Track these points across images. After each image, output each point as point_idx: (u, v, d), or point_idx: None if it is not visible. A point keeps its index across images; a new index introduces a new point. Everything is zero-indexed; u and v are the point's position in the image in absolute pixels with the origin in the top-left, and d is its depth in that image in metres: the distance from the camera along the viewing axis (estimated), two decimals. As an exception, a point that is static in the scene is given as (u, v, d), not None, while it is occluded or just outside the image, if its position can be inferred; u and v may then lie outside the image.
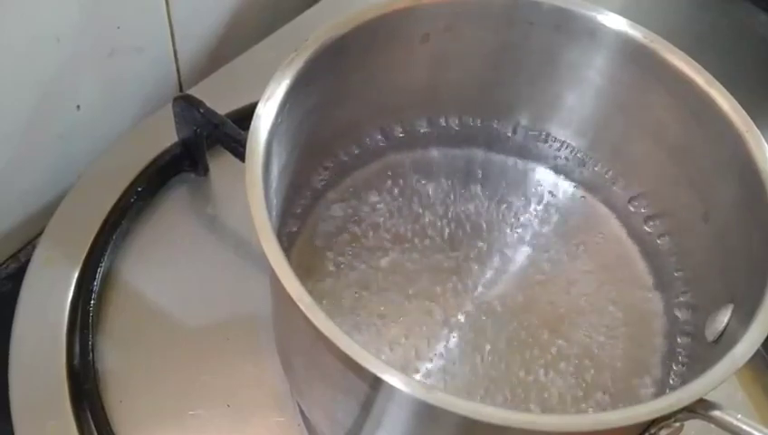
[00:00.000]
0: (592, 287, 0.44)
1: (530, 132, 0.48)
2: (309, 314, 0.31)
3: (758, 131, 0.39)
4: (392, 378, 0.31)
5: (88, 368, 0.46)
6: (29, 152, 0.52)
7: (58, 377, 0.45)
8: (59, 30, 0.49)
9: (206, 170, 0.54)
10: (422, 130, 0.48)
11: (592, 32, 0.43)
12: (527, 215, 0.46)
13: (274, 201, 0.39)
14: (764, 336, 0.34)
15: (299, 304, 0.32)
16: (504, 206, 0.46)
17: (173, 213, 0.53)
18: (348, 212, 0.46)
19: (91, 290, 0.48)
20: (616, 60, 0.43)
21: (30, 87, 0.50)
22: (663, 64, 0.41)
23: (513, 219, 0.46)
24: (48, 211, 0.52)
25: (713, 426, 0.33)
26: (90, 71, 0.53)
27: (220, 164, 0.54)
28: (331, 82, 0.41)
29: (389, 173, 0.47)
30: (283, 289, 0.32)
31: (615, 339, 0.43)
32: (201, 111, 0.50)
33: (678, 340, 0.43)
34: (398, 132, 0.47)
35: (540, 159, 0.48)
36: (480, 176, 0.47)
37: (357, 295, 0.43)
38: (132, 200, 0.51)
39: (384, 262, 0.44)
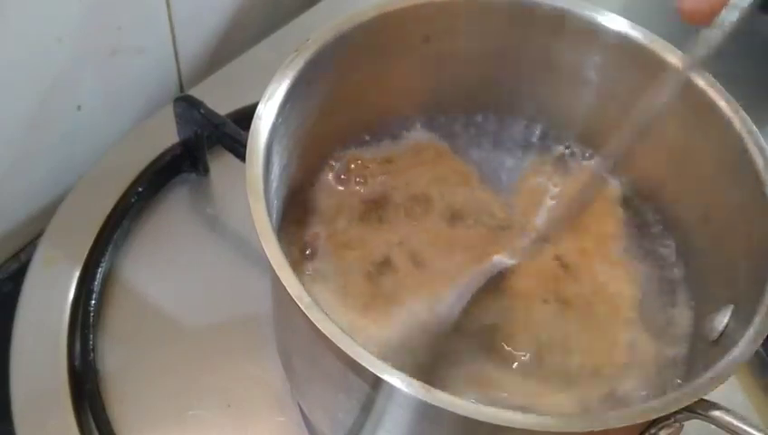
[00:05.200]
0: (591, 288, 0.44)
1: (530, 131, 0.48)
2: (309, 314, 0.31)
3: (758, 131, 0.39)
4: (392, 378, 0.31)
5: (89, 368, 0.46)
6: (30, 152, 0.52)
7: (59, 377, 0.45)
8: (60, 30, 0.49)
9: (206, 171, 0.54)
10: (422, 130, 0.48)
11: (592, 32, 0.43)
12: (525, 213, 0.46)
13: (275, 201, 0.39)
14: (764, 336, 0.34)
15: (299, 303, 0.32)
16: (504, 203, 0.46)
17: (174, 213, 0.53)
18: (348, 212, 0.46)
19: (92, 290, 0.48)
20: (616, 60, 0.43)
21: (31, 88, 0.50)
22: (663, 65, 0.41)
23: (512, 217, 0.46)
24: (49, 211, 0.52)
25: (713, 426, 0.33)
26: (91, 71, 0.53)
27: (221, 164, 0.54)
28: (331, 81, 0.41)
29: (390, 172, 0.47)
30: (284, 289, 0.32)
31: (615, 338, 0.43)
32: (202, 111, 0.50)
33: (679, 340, 0.43)
34: (398, 132, 0.47)
35: (539, 157, 0.48)
36: (480, 174, 0.47)
37: (357, 294, 0.43)
38: (133, 200, 0.51)
39: (384, 261, 0.44)
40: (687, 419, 0.32)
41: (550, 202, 0.47)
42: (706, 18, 0.35)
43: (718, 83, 0.40)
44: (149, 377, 0.47)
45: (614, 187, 0.47)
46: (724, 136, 0.40)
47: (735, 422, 0.32)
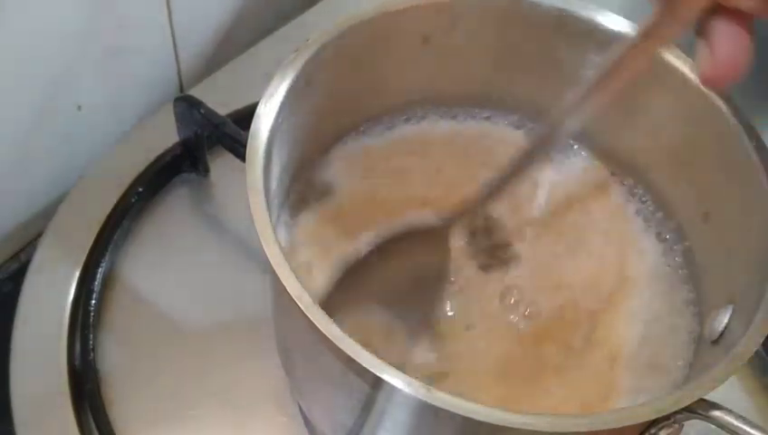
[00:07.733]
0: (589, 288, 0.44)
1: (530, 131, 0.48)
2: (309, 314, 0.31)
3: (758, 131, 0.39)
4: (392, 378, 0.31)
5: (89, 368, 0.46)
6: (30, 152, 0.52)
7: (59, 377, 0.45)
8: (60, 30, 0.49)
9: (206, 171, 0.54)
10: (422, 130, 0.48)
11: (592, 32, 0.43)
12: (525, 212, 0.46)
13: (275, 201, 0.39)
14: (764, 336, 0.33)
15: (299, 303, 0.32)
16: (505, 203, 0.46)
17: (174, 213, 0.53)
18: (348, 212, 0.46)
19: (92, 290, 0.48)
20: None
21: (31, 87, 0.50)
22: (663, 64, 0.41)
23: (513, 216, 0.46)
24: (49, 211, 0.52)
25: (713, 426, 0.33)
26: (91, 71, 0.53)
27: (221, 164, 0.54)
28: (331, 81, 0.42)
29: (389, 173, 0.47)
30: (284, 289, 0.32)
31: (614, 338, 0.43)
32: (202, 111, 0.50)
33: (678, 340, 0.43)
34: (398, 132, 0.47)
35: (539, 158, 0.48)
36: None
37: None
38: (133, 201, 0.51)
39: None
40: (687, 419, 0.32)
41: (544, 197, 0.47)
42: (725, 83, 0.35)
43: (718, 83, 0.40)
44: (149, 377, 0.47)
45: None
46: (723, 135, 0.40)
47: (735, 422, 0.32)
